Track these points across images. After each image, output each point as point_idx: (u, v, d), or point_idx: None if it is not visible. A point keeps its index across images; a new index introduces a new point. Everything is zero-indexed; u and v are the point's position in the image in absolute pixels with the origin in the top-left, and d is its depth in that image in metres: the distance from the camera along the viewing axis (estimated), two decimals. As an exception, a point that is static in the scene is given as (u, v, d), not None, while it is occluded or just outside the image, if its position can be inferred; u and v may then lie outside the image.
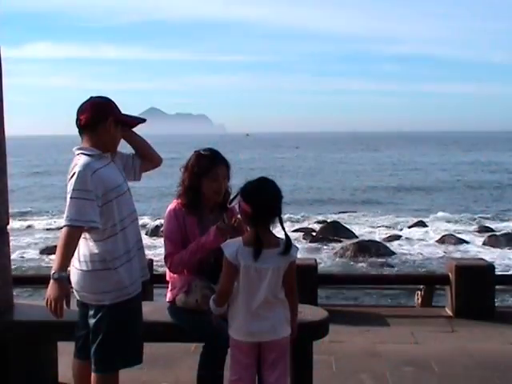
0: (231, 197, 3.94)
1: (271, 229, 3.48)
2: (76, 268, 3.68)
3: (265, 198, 3.43)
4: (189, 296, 4.04)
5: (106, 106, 3.72)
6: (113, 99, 3.77)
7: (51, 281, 3.43)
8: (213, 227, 3.97)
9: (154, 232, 21.44)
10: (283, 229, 3.47)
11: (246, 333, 3.47)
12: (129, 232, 3.71)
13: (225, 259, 3.45)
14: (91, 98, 3.73)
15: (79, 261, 3.66)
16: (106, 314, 3.64)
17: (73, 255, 3.54)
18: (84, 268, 3.63)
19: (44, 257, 19.26)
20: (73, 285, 3.72)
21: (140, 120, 3.93)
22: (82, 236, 3.62)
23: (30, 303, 5.51)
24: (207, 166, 4.09)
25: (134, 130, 3.98)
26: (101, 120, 3.65)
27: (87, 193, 3.48)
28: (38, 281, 8.50)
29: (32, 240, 22.57)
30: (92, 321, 3.69)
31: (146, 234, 21.14)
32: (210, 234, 3.96)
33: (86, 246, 3.64)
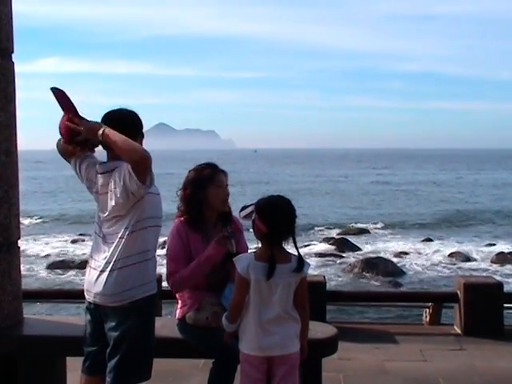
0: (245, 208, 3.68)
1: (284, 245, 3.51)
2: (101, 271, 3.59)
3: (280, 218, 3.47)
4: (199, 313, 4.03)
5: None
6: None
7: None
8: (213, 240, 3.98)
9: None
10: (296, 247, 3.51)
11: (256, 347, 3.48)
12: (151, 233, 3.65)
13: (237, 273, 3.49)
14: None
15: (107, 262, 3.57)
16: (131, 320, 3.55)
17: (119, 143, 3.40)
18: (109, 268, 3.56)
19: (51, 272, 19.34)
20: (95, 292, 3.61)
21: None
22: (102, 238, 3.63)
23: (40, 318, 5.51)
24: (211, 174, 4.12)
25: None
26: None
27: None
28: (47, 295, 8.53)
29: (39, 255, 22.61)
30: (113, 333, 3.58)
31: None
32: (210, 247, 3.96)
33: (110, 246, 3.59)
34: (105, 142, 3.50)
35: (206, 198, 4.10)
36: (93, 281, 3.65)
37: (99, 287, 3.61)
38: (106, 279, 3.58)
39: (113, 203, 3.53)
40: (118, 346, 3.58)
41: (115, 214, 3.58)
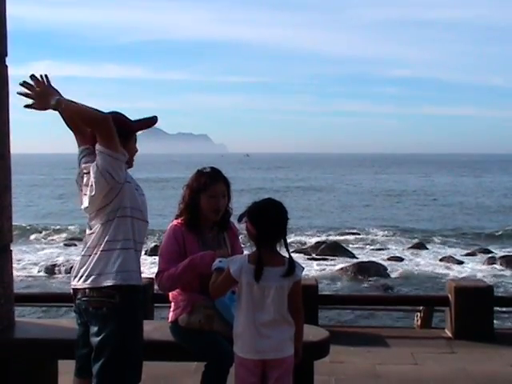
0: (242, 216, 3.81)
1: (278, 248, 3.53)
2: (81, 256, 3.66)
3: (269, 220, 3.49)
4: (192, 316, 4.03)
5: None
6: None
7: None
8: (214, 254, 3.89)
9: (154, 251, 21.37)
10: (287, 249, 3.53)
11: (251, 350, 3.49)
12: (135, 224, 3.64)
13: (227, 272, 3.51)
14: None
15: (84, 248, 3.64)
16: (111, 325, 3.53)
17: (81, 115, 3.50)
18: (84, 253, 3.62)
19: (44, 276, 19.32)
20: (74, 276, 3.65)
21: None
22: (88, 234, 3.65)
23: (32, 321, 5.51)
24: (206, 183, 4.12)
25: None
26: None
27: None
28: (39, 299, 8.51)
29: (33, 259, 22.55)
30: (95, 339, 3.58)
31: (145, 254, 21.10)
32: (201, 257, 3.95)
33: (91, 236, 3.63)
34: (64, 111, 3.57)
35: (199, 205, 4.13)
36: (75, 267, 3.72)
37: (74, 270, 3.69)
38: (80, 261, 3.65)
39: (92, 193, 3.54)
40: (100, 352, 3.57)
41: (98, 207, 3.59)
